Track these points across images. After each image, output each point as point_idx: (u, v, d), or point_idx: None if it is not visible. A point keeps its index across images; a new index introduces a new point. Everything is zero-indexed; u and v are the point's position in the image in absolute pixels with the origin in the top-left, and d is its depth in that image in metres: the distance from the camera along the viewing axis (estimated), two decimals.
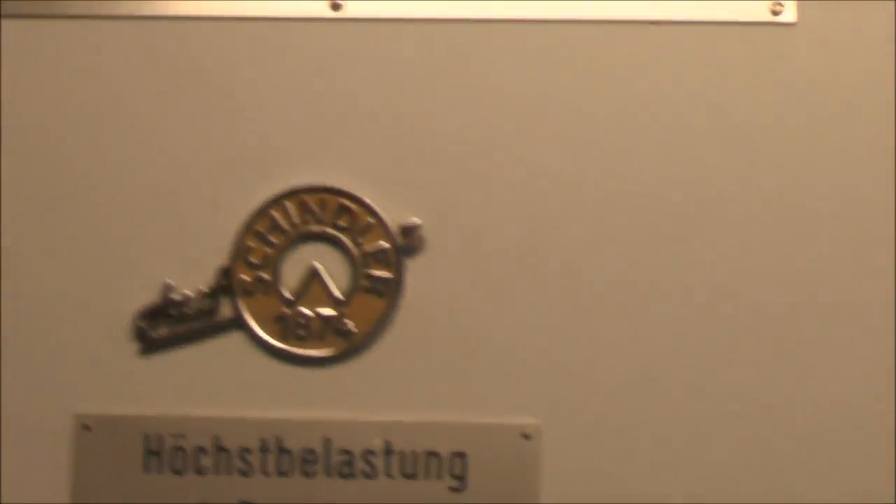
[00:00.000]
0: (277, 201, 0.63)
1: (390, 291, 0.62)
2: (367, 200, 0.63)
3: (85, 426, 0.63)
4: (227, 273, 0.63)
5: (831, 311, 0.62)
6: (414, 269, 0.62)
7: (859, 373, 0.61)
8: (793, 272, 0.61)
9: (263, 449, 0.62)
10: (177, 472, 0.63)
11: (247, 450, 0.62)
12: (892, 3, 0.61)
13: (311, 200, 0.63)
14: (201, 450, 0.63)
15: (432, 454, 0.62)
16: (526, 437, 0.61)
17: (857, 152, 0.61)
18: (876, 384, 0.61)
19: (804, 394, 0.61)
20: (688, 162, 0.62)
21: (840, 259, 0.61)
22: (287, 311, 0.63)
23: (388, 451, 0.62)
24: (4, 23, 0.64)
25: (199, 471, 0.63)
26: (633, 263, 0.62)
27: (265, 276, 0.63)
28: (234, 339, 0.63)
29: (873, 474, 0.61)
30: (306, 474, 0.62)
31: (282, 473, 0.62)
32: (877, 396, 0.61)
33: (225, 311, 0.63)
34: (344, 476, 0.62)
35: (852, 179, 0.62)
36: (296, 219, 0.63)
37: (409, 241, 0.62)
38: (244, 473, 0.62)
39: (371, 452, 0.62)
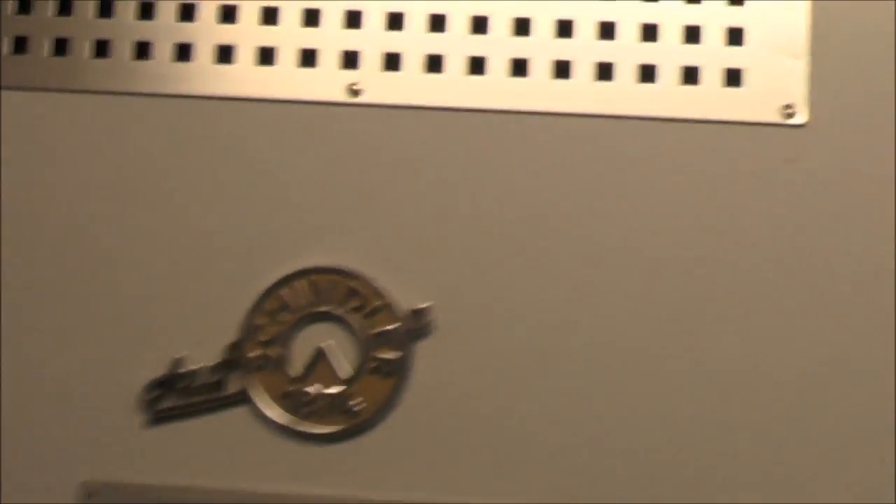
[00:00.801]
0: (287, 281, 0.64)
1: (397, 372, 0.63)
2: (377, 283, 0.64)
3: (90, 493, 0.64)
4: (235, 349, 0.64)
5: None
6: (422, 351, 0.64)
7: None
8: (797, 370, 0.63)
9: None
10: None
11: None
12: None
13: (320, 281, 0.64)
14: None
15: None
16: None
17: (866, 255, 0.63)
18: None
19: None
20: (697, 260, 0.63)
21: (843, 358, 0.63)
22: (293, 388, 0.64)
23: None
24: (5, 94, 0.65)
25: None
26: (641, 354, 0.63)
27: (273, 353, 0.64)
28: (241, 414, 0.64)
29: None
30: None
31: None
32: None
33: (232, 386, 0.64)
34: None
35: (859, 279, 0.63)
36: (305, 299, 0.64)
37: (417, 324, 0.63)
38: None
39: None
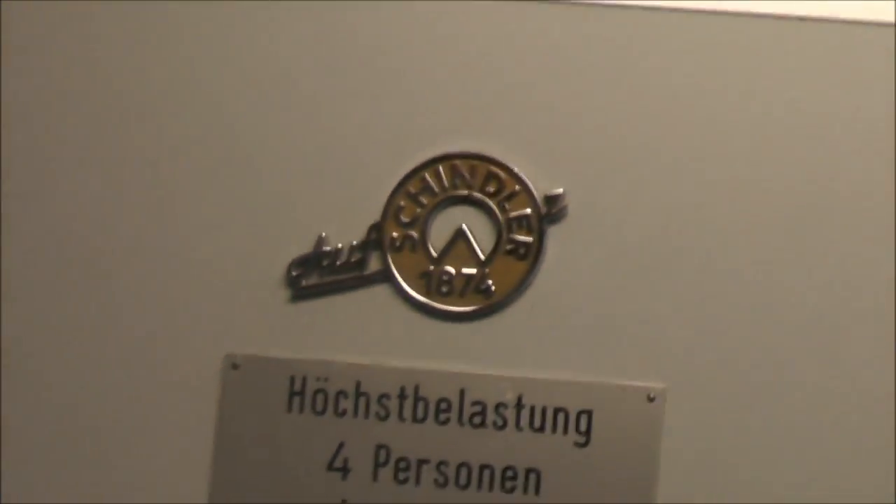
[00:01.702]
0: (430, 165, 0.67)
1: (531, 255, 0.66)
2: (516, 169, 0.67)
3: (234, 365, 0.68)
4: (378, 229, 0.67)
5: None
6: (555, 235, 0.66)
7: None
8: None
9: (401, 396, 0.66)
10: (318, 414, 0.67)
11: (386, 396, 0.67)
12: None
13: (462, 166, 0.67)
14: (342, 393, 0.67)
15: (560, 410, 0.66)
16: (651, 399, 0.65)
17: None
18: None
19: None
20: (823, 161, 0.66)
21: None
22: (432, 268, 0.67)
23: (519, 405, 0.66)
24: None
25: (340, 413, 0.67)
26: (763, 245, 0.66)
27: (414, 234, 0.67)
28: (381, 292, 0.67)
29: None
30: (440, 422, 0.66)
31: (417, 420, 0.66)
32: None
33: (374, 264, 0.67)
34: (475, 426, 0.66)
35: None
36: (446, 182, 0.67)
37: (552, 210, 0.66)
38: (382, 418, 0.67)
39: (503, 405, 0.66)
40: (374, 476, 0.66)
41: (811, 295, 0.66)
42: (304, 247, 0.67)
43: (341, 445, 0.66)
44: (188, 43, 0.70)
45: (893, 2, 0.65)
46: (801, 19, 0.67)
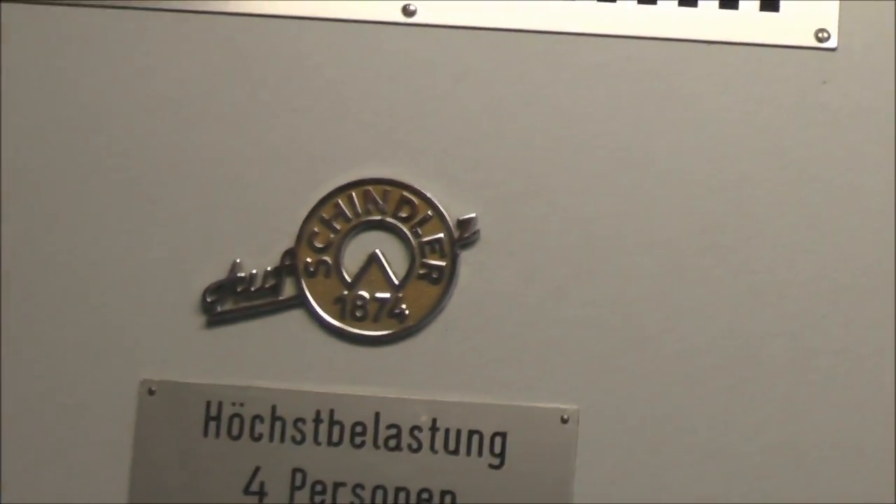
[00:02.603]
0: (343, 190, 0.68)
1: (444, 279, 0.67)
2: (428, 194, 0.67)
3: (150, 391, 0.68)
4: (292, 255, 0.67)
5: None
6: (467, 259, 0.67)
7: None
8: (824, 290, 0.66)
9: (317, 420, 0.67)
10: (234, 438, 0.67)
11: (301, 420, 0.67)
12: None
13: (375, 191, 0.68)
14: (258, 418, 0.67)
15: (475, 432, 0.66)
16: (564, 421, 0.66)
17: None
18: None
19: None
20: (731, 178, 0.67)
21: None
22: (346, 292, 0.67)
23: (434, 428, 0.67)
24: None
25: (256, 438, 0.67)
26: (675, 265, 0.67)
27: (328, 259, 0.68)
28: (295, 317, 0.68)
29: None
30: (356, 446, 0.67)
31: (333, 444, 0.67)
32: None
33: (288, 290, 0.68)
34: (391, 449, 0.67)
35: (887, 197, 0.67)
36: (360, 208, 0.68)
37: (464, 234, 0.67)
38: (298, 442, 0.67)
39: (418, 428, 0.67)
40: (291, 499, 0.66)
41: (723, 315, 0.67)
42: (218, 273, 0.68)
43: (257, 469, 0.67)
44: (97, 56, 0.70)
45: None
46: (710, 43, 0.67)
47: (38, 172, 0.69)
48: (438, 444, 0.66)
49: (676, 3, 0.67)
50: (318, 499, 0.66)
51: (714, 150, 0.67)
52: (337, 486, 0.66)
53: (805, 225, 0.67)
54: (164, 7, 0.69)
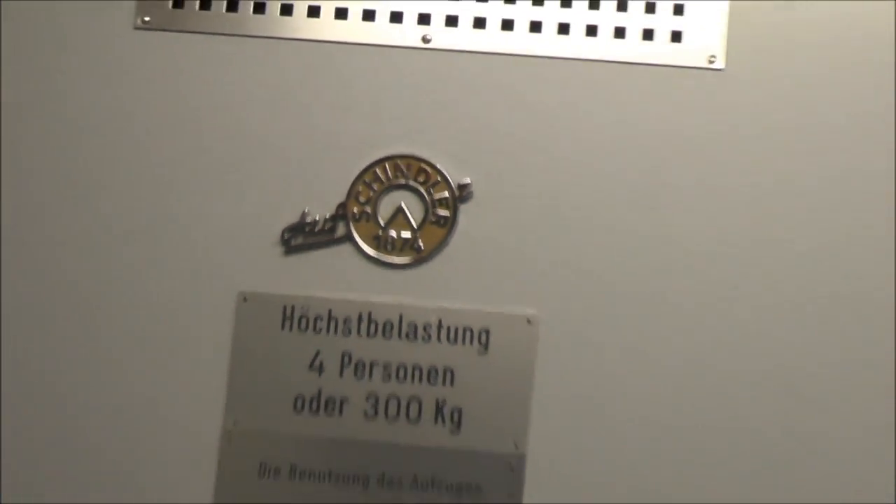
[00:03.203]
0: (379, 163, 0.98)
1: (448, 224, 0.97)
2: (438, 165, 0.98)
3: (244, 299, 0.99)
4: (343, 206, 0.98)
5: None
6: (465, 211, 0.98)
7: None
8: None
9: (359, 319, 0.97)
10: (302, 332, 0.98)
11: (348, 319, 0.97)
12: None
13: (401, 163, 0.98)
14: (319, 318, 0.98)
15: (468, 329, 0.97)
16: (529, 322, 0.97)
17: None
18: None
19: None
20: (631, 180, 0.98)
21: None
22: (380, 233, 0.98)
23: (440, 326, 0.97)
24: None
25: (317, 331, 0.98)
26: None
27: (368, 209, 0.98)
28: (345, 249, 0.98)
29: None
30: (385, 338, 0.97)
31: (370, 336, 0.97)
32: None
33: (340, 230, 0.98)
34: (410, 340, 0.97)
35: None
36: (391, 175, 0.98)
37: (462, 193, 0.97)
38: (346, 334, 0.97)
39: (428, 325, 0.97)
40: (341, 373, 0.97)
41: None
42: (293, 218, 0.98)
43: (318, 353, 0.97)
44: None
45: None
46: (634, 64, 0.98)
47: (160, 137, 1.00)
48: (443, 337, 0.97)
49: (612, 35, 0.98)
50: (359, 373, 0.97)
51: (633, 139, 0.98)
52: (373, 364, 0.97)
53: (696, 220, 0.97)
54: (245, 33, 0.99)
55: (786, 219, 0.97)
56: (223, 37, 0.99)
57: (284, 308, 0.98)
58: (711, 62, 0.98)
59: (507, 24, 0.99)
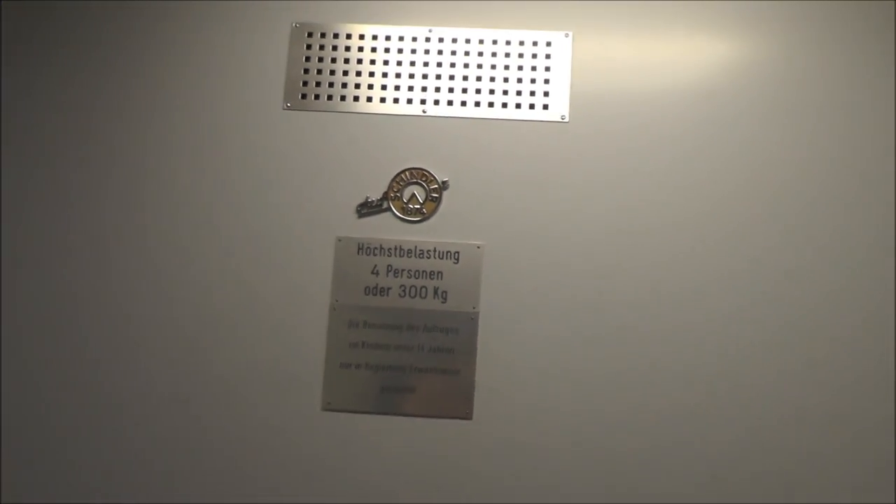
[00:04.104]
0: (403, 171, 2.01)
1: (438, 201, 2.00)
2: (432, 171, 2.01)
3: (339, 239, 2.00)
4: (385, 194, 2.01)
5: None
6: (446, 195, 2.00)
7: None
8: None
9: (396, 248, 1.99)
10: (367, 255, 2.00)
11: (390, 249, 2.00)
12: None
13: (414, 172, 2.01)
14: (376, 248, 1.99)
15: (448, 251, 1.99)
16: (478, 248, 1.99)
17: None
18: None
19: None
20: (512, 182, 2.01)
21: None
22: (404, 206, 2.01)
23: (435, 251, 1.99)
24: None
25: (374, 255, 2.00)
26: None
27: (398, 194, 2.01)
28: (387, 215, 2.00)
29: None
30: (408, 257, 1.99)
31: (400, 256, 1.99)
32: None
33: (385, 206, 2.01)
34: (420, 258, 1.99)
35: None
36: (408, 177, 2.01)
37: (444, 186, 2.00)
38: (388, 256, 1.99)
39: (429, 250, 1.99)
40: (387, 275, 1.99)
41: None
42: (360, 199, 2.00)
43: (375, 266, 1.99)
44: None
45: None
46: (509, 120, 2.02)
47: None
48: (436, 256, 1.99)
49: (513, 106, 2.01)
50: (396, 275, 1.99)
51: (526, 159, 2.01)
52: (402, 270, 2.00)
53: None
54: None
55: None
56: (325, 112, 2.03)
57: (359, 244, 2.00)
58: (562, 120, 2.01)
59: (455, 102, 2.02)
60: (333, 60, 2.05)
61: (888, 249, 1.93)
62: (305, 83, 2.04)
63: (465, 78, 2.02)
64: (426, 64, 2.04)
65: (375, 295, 1.98)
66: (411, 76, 2.03)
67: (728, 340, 1.93)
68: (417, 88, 2.03)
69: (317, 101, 2.04)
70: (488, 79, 2.02)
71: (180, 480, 1.94)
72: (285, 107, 2.04)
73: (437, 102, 2.03)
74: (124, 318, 1.99)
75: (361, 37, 2.05)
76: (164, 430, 1.96)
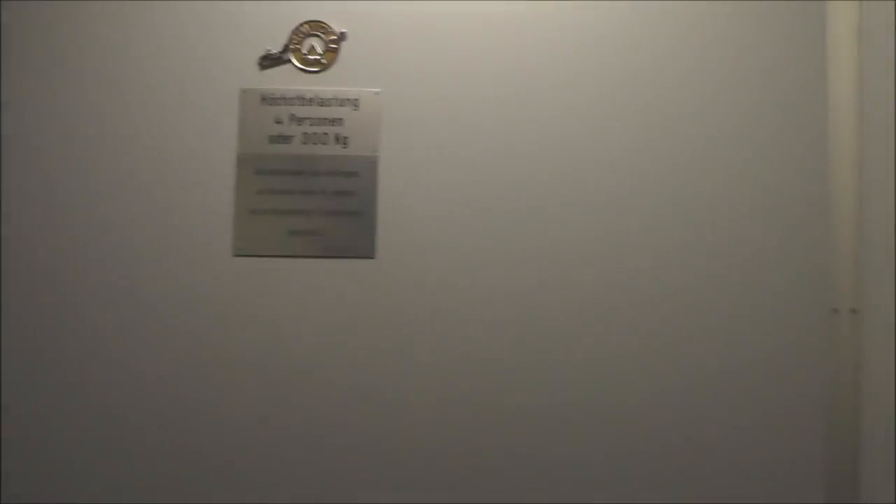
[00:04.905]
0: (303, 24, 2.10)
1: (336, 51, 2.09)
2: (330, 24, 2.10)
3: (244, 91, 2.10)
4: (286, 46, 2.09)
5: None
6: (343, 46, 2.10)
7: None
8: None
9: (299, 97, 2.09)
10: (271, 105, 2.10)
11: (293, 98, 2.09)
12: None
13: (313, 24, 2.10)
14: (279, 97, 2.09)
15: (347, 99, 2.10)
16: (377, 94, 2.09)
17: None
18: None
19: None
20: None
21: None
22: (305, 56, 2.10)
23: (335, 98, 2.09)
24: None
25: (279, 104, 2.09)
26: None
27: (297, 47, 2.10)
28: (288, 67, 2.09)
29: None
30: (311, 105, 2.09)
31: (303, 104, 2.09)
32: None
33: (285, 57, 2.10)
34: (322, 105, 2.10)
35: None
36: (308, 29, 2.10)
37: (342, 37, 2.09)
38: (292, 104, 2.09)
39: (330, 98, 2.09)
40: (290, 123, 2.09)
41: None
42: (262, 52, 2.10)
43: (279, 115, 2.09)
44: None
45: None
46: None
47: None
48: (336, 104, 2.09)
49: None
50: (300, 123, 2.09)
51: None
52: (306, 119, 2.09)
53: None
54: None
55: None
56: None
57: (262, 95, 2.10)
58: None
59: None
60: None
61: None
62: None
63: None
64: None
65: (280, 143, 2.08)
66: None
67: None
68: None
69: None
70: None
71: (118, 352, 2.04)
72: None
73: None
74: (43, 181, 2.07)
75: None
76: (85, 295, 2.05)
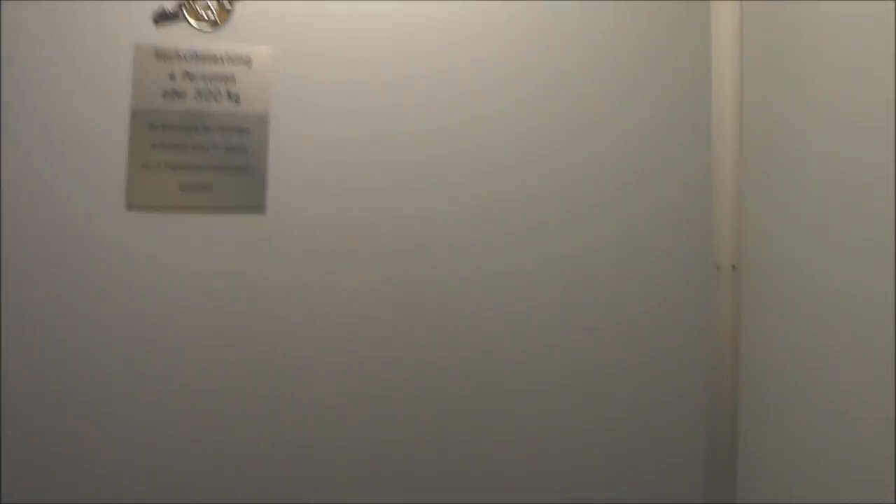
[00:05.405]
0: None
1: (231, 11, 2.14)
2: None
3: (138, 48, 2.13)
4: (180, 4, 2.14)
5: None
6: (239, 6, 2.14)
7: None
8: None
9: (192, 54, 2.13)
10: (164, 61, 2.13)
11: (187, 55, 2.13)
12: None
13: None
14: (174, 54, 2.13)
15: (240, 56, 2.14)
16: (269, 54, 2.13)
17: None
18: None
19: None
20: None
21: None
22: (199, 14, 2.14)
23: (227, 55, 2.13)
24: None
25: (172, 60, 2.13)
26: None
27: (192, 5, 2.14)
28: (183, 24, 2.13)
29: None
30: (204, 63, 2.13)
31: (195, 60, 2.13)
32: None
33: (180, 16, 2.14)
34: (214, 63, 2.14)
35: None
36: None
37: None
38: (186, 61, 2.13)
39: (222, 56, 2.13)
40: (183, 80, 2.13)
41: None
42: (157, 8, 2.14)
43: (172, 71, 2.13)
44: None
45: None
46: None
47: None
48: (228, 61, 2.13)
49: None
50: (192, 80, 2.13)
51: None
52: (197, 75, 2.13)
53: None
54: None
55: None
56: None
57: (156, 51, 2.13)
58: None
59: None
60: None
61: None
62: None
63: None
64: None
65: (173, 98, 2.11)
66: None
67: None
68: None
69: None
70: None
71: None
72: None
73: None
74: None
75: None
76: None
